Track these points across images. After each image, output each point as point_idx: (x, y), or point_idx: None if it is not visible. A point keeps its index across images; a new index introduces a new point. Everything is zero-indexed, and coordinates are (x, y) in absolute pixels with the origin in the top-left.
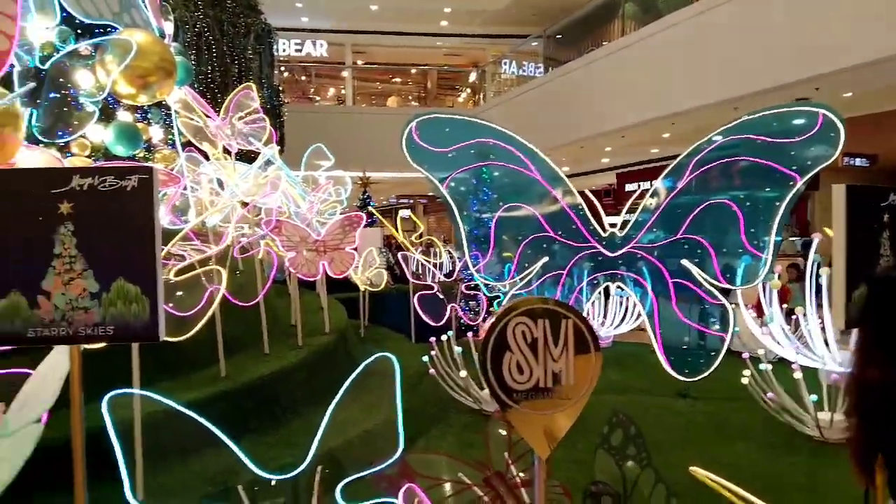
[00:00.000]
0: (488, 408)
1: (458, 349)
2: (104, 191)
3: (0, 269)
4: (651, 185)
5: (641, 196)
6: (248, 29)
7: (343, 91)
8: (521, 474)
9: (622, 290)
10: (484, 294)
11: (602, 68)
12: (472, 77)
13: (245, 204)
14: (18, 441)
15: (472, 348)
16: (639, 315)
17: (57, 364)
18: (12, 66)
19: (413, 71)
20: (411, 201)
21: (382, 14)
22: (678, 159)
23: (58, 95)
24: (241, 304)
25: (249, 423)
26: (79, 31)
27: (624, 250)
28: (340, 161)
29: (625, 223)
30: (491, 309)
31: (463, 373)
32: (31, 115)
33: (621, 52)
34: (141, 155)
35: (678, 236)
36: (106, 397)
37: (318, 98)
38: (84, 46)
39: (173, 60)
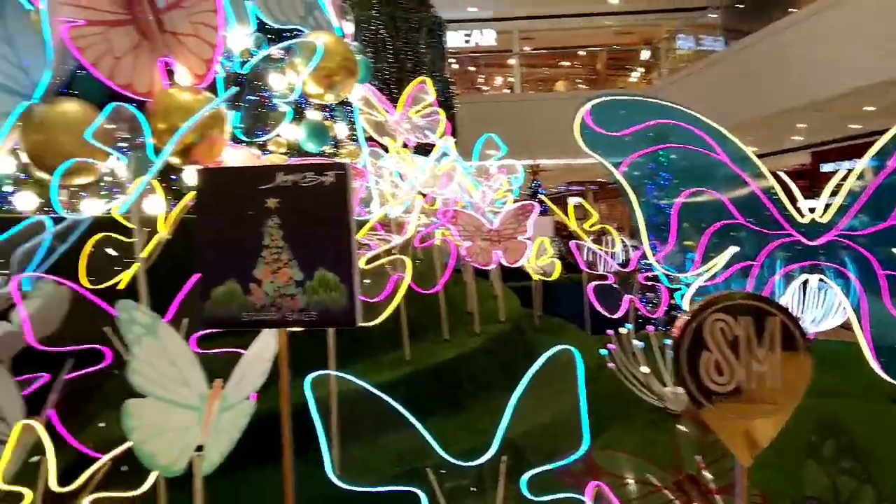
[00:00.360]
0: (673, 406)
1: (638, 343)
2: (305, 186)
3: (219, 259)
4: (854, 165)
5: (845, 177)
6: (420, 24)
7: (510, 79)
8: (713, 477)
9: (824, 282)
10: (664, 285)
11: (792, 37)
12: (645, 55)
13: (424, 195)
14: (235, 415)
15: (653, 343)
16: (843, 310)
17: (266, 345)
18: (217, 72)
19: (582, 53)
20: (582, 188)
21: None
22: (887, 134)
23: (255, 98)
24: (422, 291)
25: (432, 406)
26: (270, 37)
27: (826, 238)
28: (511, 149)
29: (826, 208)
30: (672, 301)
31: (644, 368)
32: (233, 116)
33: (814, 17)
34: (329, 151)
35: (890, 222)
36: (308, 378)
37: (486, 87)
38: (276, 50)
39: (355, 59)
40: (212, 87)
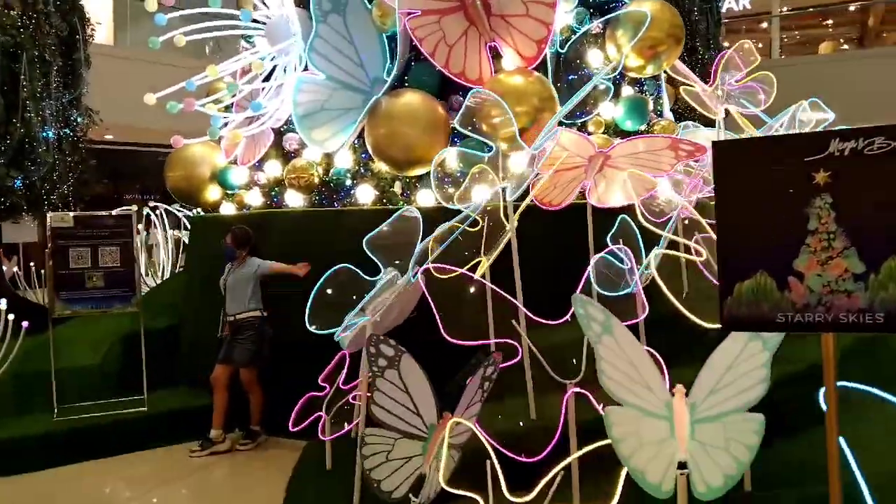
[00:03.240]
0: None
1: None
2: (871, 155)
3: (747, 248)
4: None
5: None
6: None
7: (759, 45)
8: None
9: None
10: None
11: None
12: None
13: None
14: (723, 430)
15: None
16: None
17: (744, 349)
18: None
19: (851, 8)
20: None
21: None
22: None
23: (575, 77)
24: None
25: None
26: (591, 11)
27: None
28: None
29: None
30: None
31: None
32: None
33: None
34: (642, 128)
35: None
36: (821, 391)
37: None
38: (596, 25)
39: (682, 26)
40: (538, 68)
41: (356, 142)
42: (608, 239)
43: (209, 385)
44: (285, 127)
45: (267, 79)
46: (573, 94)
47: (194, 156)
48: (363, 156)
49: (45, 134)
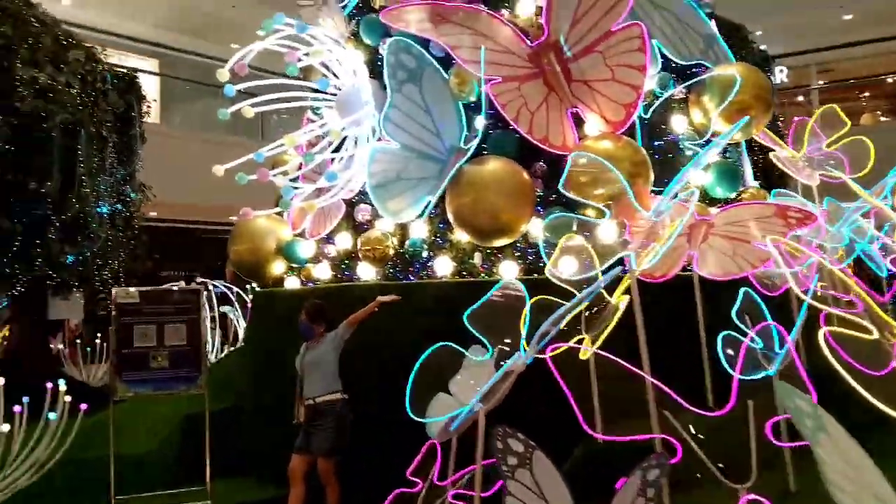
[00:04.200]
0: None
1: None
2: None
3: None
4: None
5: None
6: (745, 60)
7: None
8: None
9: None
10: None
11: None
12: None
13: None
14: None
15: None
16: None
17: None
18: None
19: (889, 80)
20: None
21: (855, 23)
22: None
23: (661, 143)
24: None
25: None
26: (674, 76)
27: None
28: None
29: None
30: None
31: None
32: None
33: None
34: (732, 196)
35: None
36: None
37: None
38: (679, 90)
39: (770, 89)
40: (630, 131)
41: (432, 212)
42: (734, 314)
43: (275, 474)
44: (356, 198)
45: (336, 150)
46: (660, 160)
47: (260, 228)
48: (440, 226)
49: (99, 209)
